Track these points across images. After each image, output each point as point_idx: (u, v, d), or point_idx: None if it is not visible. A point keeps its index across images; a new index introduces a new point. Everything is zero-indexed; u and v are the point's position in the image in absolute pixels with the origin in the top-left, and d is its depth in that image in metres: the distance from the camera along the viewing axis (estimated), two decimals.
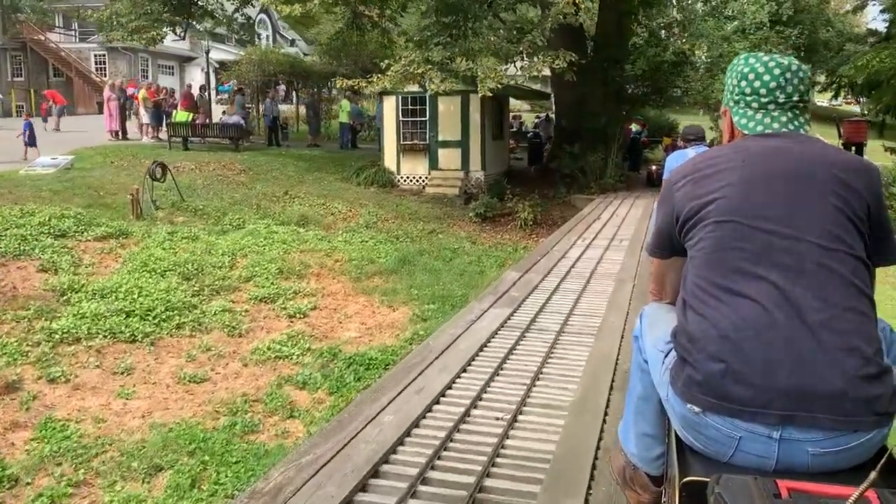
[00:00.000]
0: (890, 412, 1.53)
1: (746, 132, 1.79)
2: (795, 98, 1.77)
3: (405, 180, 18.26)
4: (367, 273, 10.65)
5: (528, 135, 26.67)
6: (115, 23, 18.27)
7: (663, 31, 15.99)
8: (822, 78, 32.59)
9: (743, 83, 1.79)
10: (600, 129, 16.98)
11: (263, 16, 46.93)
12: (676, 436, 1.74)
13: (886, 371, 1.54)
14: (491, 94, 13.15)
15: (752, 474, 1.44)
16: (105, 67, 42.21)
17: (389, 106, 18.21)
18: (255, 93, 26.97)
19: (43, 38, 40.89)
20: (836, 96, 37.76)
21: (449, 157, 18.01)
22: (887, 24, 36.86)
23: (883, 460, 1.31)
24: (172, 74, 44.97)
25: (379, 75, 13.65)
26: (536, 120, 27.54)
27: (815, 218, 1.61)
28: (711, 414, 1.57)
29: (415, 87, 17.35)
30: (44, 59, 40.93)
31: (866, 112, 30.85)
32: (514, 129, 27.39)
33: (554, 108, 21.47)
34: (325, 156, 20.94)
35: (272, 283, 9.54)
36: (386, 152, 18.42)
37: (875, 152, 28.01)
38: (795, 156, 1.69)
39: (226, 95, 29.17)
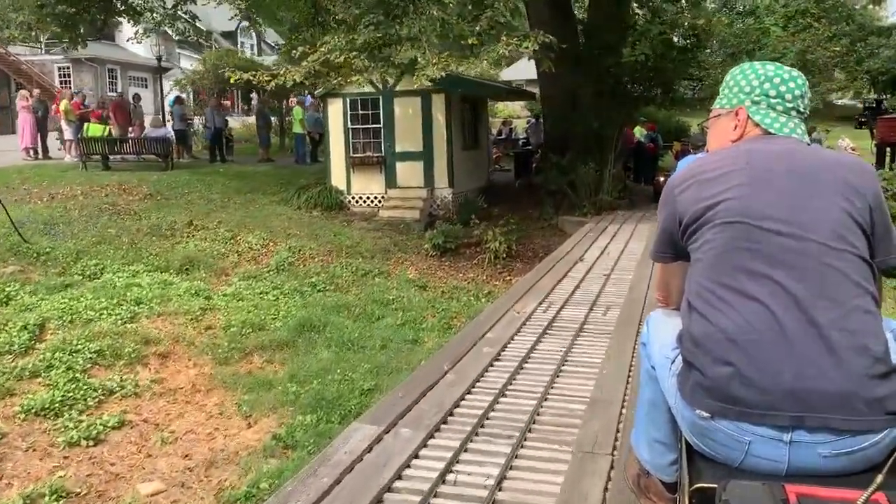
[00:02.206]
0: None
1: (773, 131, 1.79)
2: (808, 112, 1.84)
3: (357, 201, 14.89)
4: (244, 349, 7.29)
5: (520, 142, 23.37)
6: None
7: (670, 5, 12.55)
8: (840, 75, 29.24)
9: (767, 85, 1.81)
10: (593, 135, 13.53)
11: (247, 23, 44.04)
12: (687, 442, 1.69)
13: (894, 370, 1.52)
14: (431, 84, 9.82)
15: (763, 479, 1.45)
16: (70, 80, 39.31)
17: (335, 111, 14.87)
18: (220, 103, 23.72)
19: (3, 50, 38.04)
20: (858, 94, 34.51)
21: (409, 172, 14.63)
22: None
23: (890, 462, 1.37)
24: (146, 87, 42.01)
25: (288, 67, 10.32)
26: (528, 124, 24.11)
27: (820, 218, 1.60)
28: (720, 418, 1.55)
29: (366, 87, 14.08)
30: (5, 74, 38.09)
31: (888, 110, 27.35)
32: (503, 137, 24.04)
33: (541, 109, 18.01)
34: (272, 173, 17.66)
35: (73, 380, 6.17)
36: (333, 168, 15.06)
37: None
38: (800, 158, 1.71)
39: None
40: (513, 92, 20.48)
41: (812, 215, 1.61)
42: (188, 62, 40.38)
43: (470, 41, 9.47)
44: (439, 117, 14.34)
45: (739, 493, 1.37)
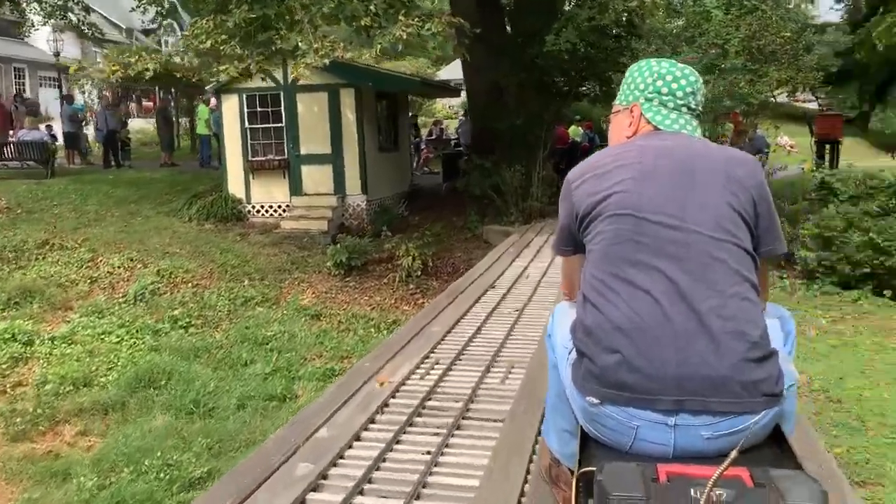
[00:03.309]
0: (776, 393, 1.57)
1: (662, 128, 1.84)
2: (700, 108, 1.89)
3: (257, 211, 13.13)
4: (55, 415, 5.57)
5: (452, 142, 21.88)
6: None
7: None
8: (775, 74, 28.73)
9: (659, 83, 1.85)
10: (520, 134, 12.07)
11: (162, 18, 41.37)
12: (582, 429, 1.73)
13: (772, 354, 1.59)
14: (312, 73, 8.19)
15: (651, 461, 1.46)
16: None
17: (230, 109, 13.06)
18: (115, 102, 21.50)
19: None
20: (793, 93, 34.30)
21: (316, 178, 12.94)
22: (846, 12, 33.41)
23: (741, 443, 1.43)
24: (57, 87, 39.09)
25: (143, 55, 8.57)
26: (459, 122, 22.61)
27: (704, 210, 1.65)
28: (609, 404, 1.59)
29: (266, 81, 12.37)
30: None
31: (824, 108, 27.00)
32: (434, 137, 22.50)
33: (467, 105, 16.51)
34: (169, 179, 15.74)
35: None
36: (230, 173, 13.25)
37: (850, 150, 24.06)
38: (688, 152, 1.75)
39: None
40: (438, 88, 18.90)
41: (696, 207, 1.65)
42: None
43: (363, 22, 7.91)
44: (349, 115, 12.70)
45: (612, 473, 1.40)
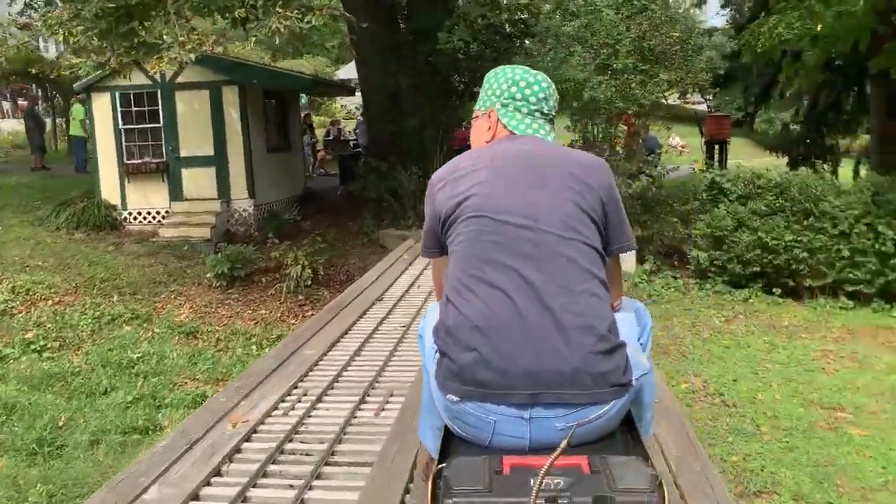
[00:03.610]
0: (624, 383, 1.63)
1: (517, 132, 1.91)
2: (553, 113, 1.98)
3: (134, 218, 12.15)
4: None
5: (351, 143, 21.23)
6: None
7: None
8: (665, 76, 29.64)
9: (514, 88, 1.92)
10: (416, 135, 11.66)
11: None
12: (447, 427, 1.76)
13: (619, 346, 1.66)
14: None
15: (509, 454, 1.51)
16: None
17: (102, 108, 12.02)
18: None
19: None
20: (683, 94, 35.55)
21: (199, 182, 12.10)
22: (731, 17, 34.93)
23: (571, 431, 1.51)
24: None
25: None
26: (357, 122, 21.96)
27: (553, 210, 1.72)
28: (467, 401, 1.62)
29: (142, 78, 11.42)
30: None
31: (713, 109, 28.18)
32: (332, 137, 21.77)
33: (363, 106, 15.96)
34: (39, 185, 14.43)
35: None
36: (103, 178, 12.20)
37: (738, 150, 25.07)
38: (538, 155, 1.84)
39: None
40: (333, 87, 18.25)
41: (545, 208, 1.72)
42: None
43: (237, 14, 7.27)
44: (233, 114, 11.94)
45: (457, 468, 1.43)
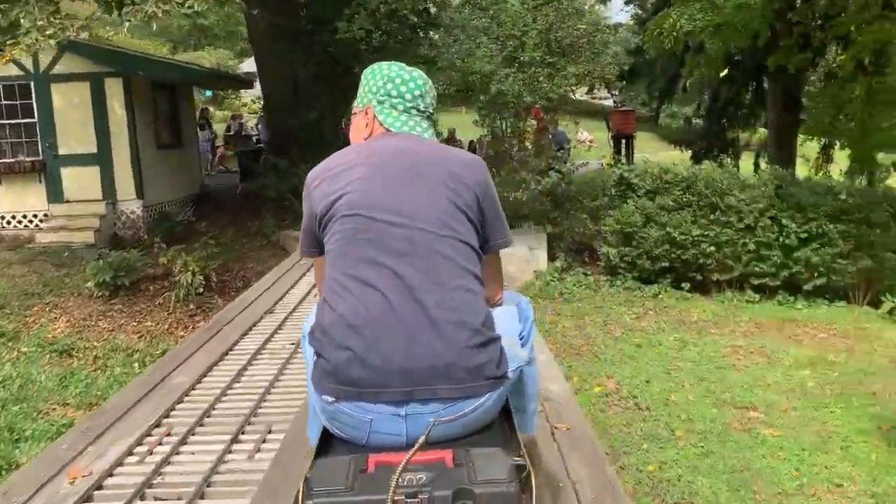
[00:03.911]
0: (498, 376, 1.64)
1: (393, 129, 1.89)
2: (430, 110, 1.96)
3: (7, 223, 11.04)
4: None
5: (254, 139, 20.29)
6: None
7: None
8: (573, 69, 30.00)
9: (389, 85, 1.91)
10: (316, 129, 11.06)
11: None
12: (326, 428, 1.74)
13: (493, 339, 1.67)
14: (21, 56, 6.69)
15: (388, 453, 1.50)
16: None
17: None
18: None
19: None
20: (590, 90, 36.22)
21: (80, 181, 11.10)
22: (635, 13, 35.74)
23: (431, 427, 1.49)
24: None
25: None
26: (259, 116, 21.04)
27: (427, 208, 1.71)
28: (343, 401, 1.62)
29: (13, 69, 10.32)
30: None
31: (619, 104, 28.78)
32: (232, 133, 20.76)
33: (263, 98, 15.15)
34: None
35: None
36: None
37: (644, 145, 25.59)
38: (414, 153, 1.82)
39: None
40: (229, 80, 17.33)
41: (420, 206, 1.71)
42: None
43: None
44: (118, 108, 11.00)
45: (321, 469, 1.44)
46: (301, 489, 1.41)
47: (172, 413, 3.53)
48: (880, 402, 6.28)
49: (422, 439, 1.43)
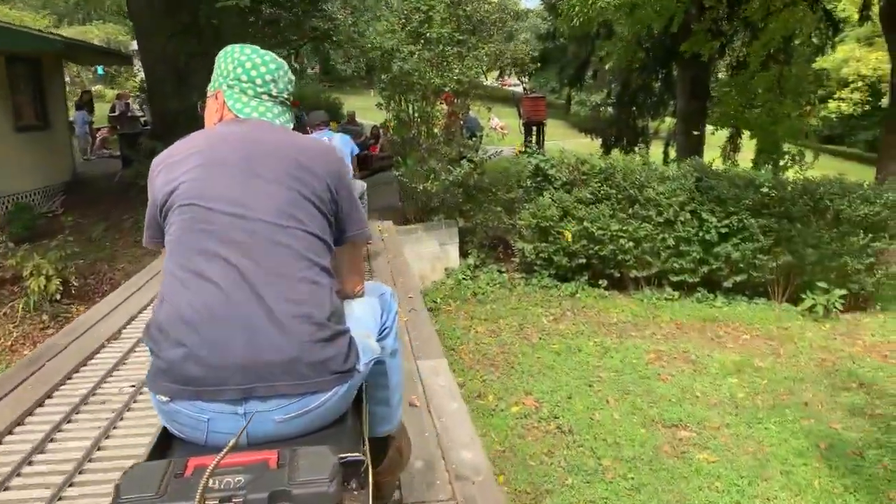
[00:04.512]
0: (345, 370, 1.58)
1: (242, 116, 1.81)
2: (285, 94, 1.87)
3: None
4: None
5: (143, 120, 18.59)
6: None
7: None
8: (485, 48, 29.52)
9: (239, 70, 1.82)
10: (197, 112, 9.86)
11: None
12: (166, 428, 1.63)
13: (341, 333, 1.60)
14: None
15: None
16: None
17: None
18: None
19: None
20: (501, 75, 35.81)
21: None
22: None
23: (247, 423, 1.45)
24: None
25: None
26: (141, 96, 19.32)
27: (269, 198, 1.63)
28: (179, 400, 1.52)
29: None
30: None
31: (529, 91, 28.42)
32: (117, 114, 19.00)
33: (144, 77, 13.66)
34: None
35: None
36: None
37: (554, 133, 25.32)
38: (259, 141, 1.73)
39: None
40: (100, 54, 15.62)
41: (260, 195, 1.63)
42: None
43: None
44: None
45: (133, 474, 1.33)
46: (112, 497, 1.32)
47: None
48: (813, 413, 5.86)
49: (232, 441, 1.32)
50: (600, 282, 8.91)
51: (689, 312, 8.39)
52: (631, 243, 8.58)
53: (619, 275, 8.91)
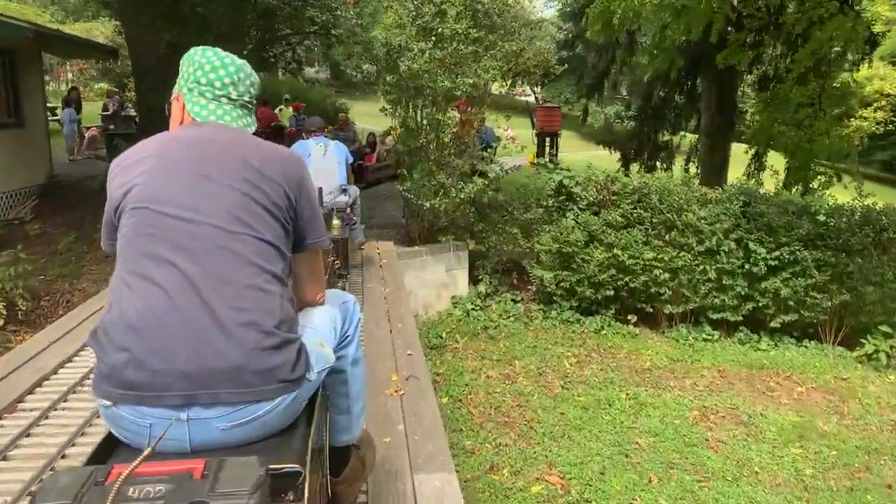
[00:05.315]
0: (292, 379, 1.54)
1: (199, 119, 1.77)
2: (246, 98, 1.82)
3: None
4: None
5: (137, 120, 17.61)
6: None
7: None
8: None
9: (199, 73, 1.78)
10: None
11: None
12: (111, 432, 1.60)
13: (289, 342, 1.56)
14: None
15: (171, 459, 1.39)
16: None
17: None
18: None
19: None
20: (513, 85, 34.85)
21: None
22: (560, 8, 34.58)
23: (163, 434, 1.39)
24: None
25: None
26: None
27: (219, 203, 1.58)
28: (122, 405, 1.49)
29: None
30: None
31: (542, 101, 27.55)
32: (110, 112, 18.01)
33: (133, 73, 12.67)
34: None
35: None
36: None
37: (568, 143, 24.29)
38: (212, 145, 1.68)
39: None
40: (80, 46, 14.48)
41: (211, 200, 1.59)
42: None
43: None
44: None
45: (53, 480, 1.29)
46: None
47: None
48: None
49: (148, 450, 1.27)
50: (629, 317, 7.84)
51: (733, 357, 7.31)
52: (667, 274, 7.51)
53: (650, 309, 7.83)
